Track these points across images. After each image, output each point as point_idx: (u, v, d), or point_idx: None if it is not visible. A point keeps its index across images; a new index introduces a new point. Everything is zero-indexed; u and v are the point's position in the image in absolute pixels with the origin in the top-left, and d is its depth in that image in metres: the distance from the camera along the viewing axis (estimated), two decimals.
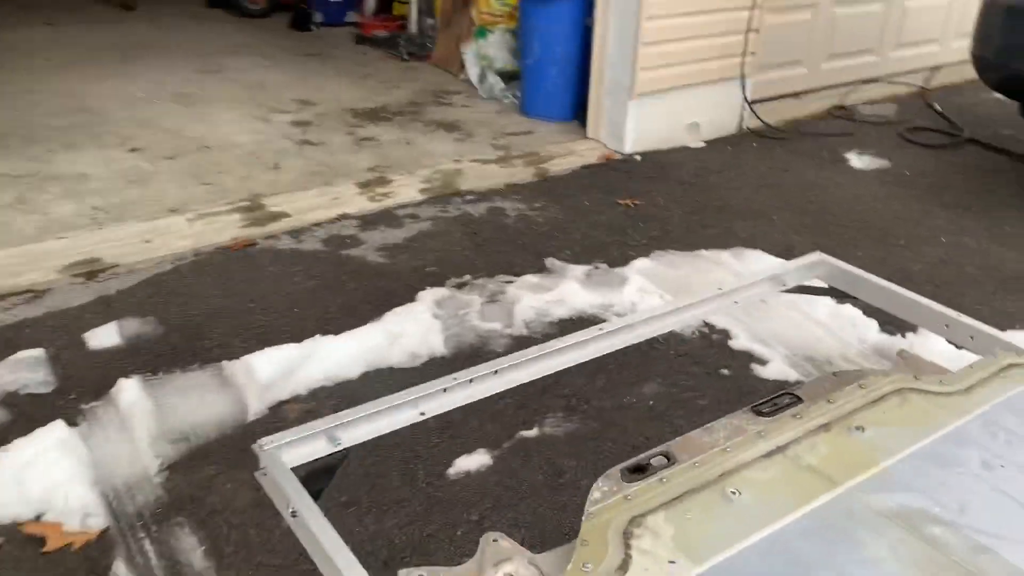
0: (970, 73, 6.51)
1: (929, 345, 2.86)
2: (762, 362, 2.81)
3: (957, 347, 2.79)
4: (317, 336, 2.70)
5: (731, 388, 2.67)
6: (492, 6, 5.52)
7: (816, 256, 2.68)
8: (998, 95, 4.96)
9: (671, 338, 2.91)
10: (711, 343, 2.90)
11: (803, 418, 1.77)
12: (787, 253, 3.51)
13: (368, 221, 3.64)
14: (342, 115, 4.88)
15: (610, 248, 3.51)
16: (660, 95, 4.49)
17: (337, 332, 2.75)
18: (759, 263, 3.36)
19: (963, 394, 1.99)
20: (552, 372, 1.72)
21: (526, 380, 1.78)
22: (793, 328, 2.98)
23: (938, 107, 5.61)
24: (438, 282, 3.17)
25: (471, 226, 3.66)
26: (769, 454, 1.54)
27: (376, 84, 5.53)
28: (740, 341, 2.91)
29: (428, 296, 3.05)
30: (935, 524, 1.35)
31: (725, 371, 2.75)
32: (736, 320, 3.01)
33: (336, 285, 3.14)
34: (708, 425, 1.84)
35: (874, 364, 2.82)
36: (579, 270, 3.30)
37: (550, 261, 3.38)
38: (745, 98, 4.87)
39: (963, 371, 2.10)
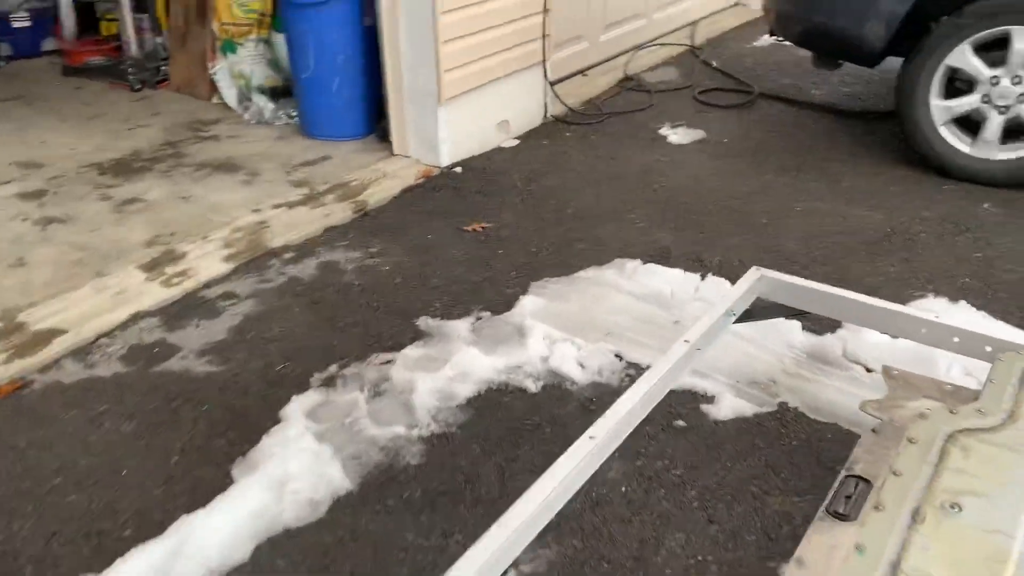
0: (726, 24, 6.66)
1: (863, 338, 2.63)
2: (709, 399, 2.43)
3: (892, 336, 2.59)
4: (181, 517, 1.93)
5: (698, 444, 2.26)
6: (235, 15, 4.66)
7: (755, 274, 2.33)
8: (774, 41, 4.99)
9: (604, 395, 2.45)
10: None
11: (885, 509, 1.38)
12: (664, 256, 3.18)
13: (173, 316, 2.81)
14: (85, 174, 3.87)
15: (483, 289, 2.97)
16: (469, 95, 3.97)
17: (203, 500, 1.99)
18: (649, 277, 2.98)
19: (1014, 423, 1.71)
20: None
21: None
22: (720, 350, 2.63)
23: (715, 63, 5.58)
24: (300, 384, 2.47)
25: (307, 295, 2.95)
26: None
27: (113, 125, 4.49)
28: (675, 383, 2.51)
29: (296, 409, 2.35)
30: None
31: (680, 422, 2.34)
32: (658, 352, 2.60)
33: (166, 421, 2.34)
34: (798, 556, 1.41)
35: (815, 372, 2.54)
36: (462, 327, 2.73)
37: (423, 322, 2.77)
38: (550, 84, 4.48)
39: (989, 389, 1.83)
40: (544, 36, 4.31)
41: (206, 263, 3.08)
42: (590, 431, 1.71)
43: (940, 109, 3.82)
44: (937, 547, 1.41)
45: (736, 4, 6.86)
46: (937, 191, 3.76)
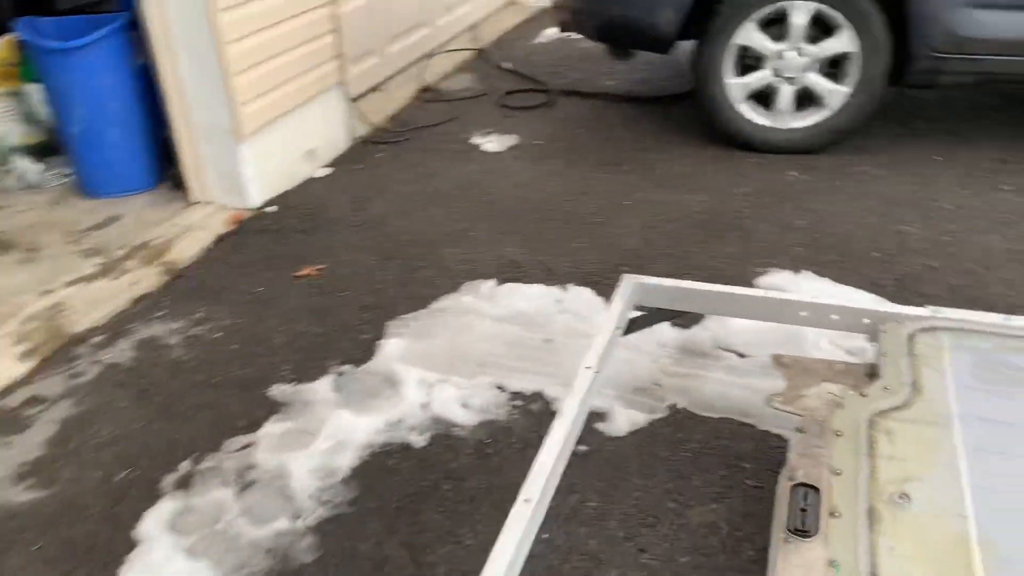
0: (506, 24, 6.65)
1: (728, 325, 2.63)
2: (602, 417, 2.32)
3: (777, 323, 2.59)
4: None
5: (603, 468, 2.15)
6: None
7: (629, 283, 2.24)
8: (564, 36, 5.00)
9: (496, 433, 2.28)
10: (536, 417, 2.33)
11: (842, 515, 1.33)
12: (515, 271, 3.05)
13: None
14: None
15: (334, 340, 2.70)
16: (270, 127, 3.64)
17: None
18: (509, 297, 2.84)
19: (920, 394, 1.73)
20: None
21: None
22: None
23: (507, 65, 5.53)
24: (150, 493, 2.11)
25: (132, 383, 2.55)
26: None
27: None
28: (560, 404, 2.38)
29: (153, 524, 1.99)
30: None
31: (581, 447, 2.22)
32: (538, 375, 2.48)
33: None
34: None
35: (693, 368, 2.51)
36: (323, 387, 2.46)
37: (276, 390, 2.47)
38: (352, 104, 4.23)
39: (886, 364, 1.85)
40: (339, 55, 4.05)
41: None
42: (524, 493, 1.54)
43: (736, 87, 3.96)
44: (902, 546, 1.38)
45: (511, 3, 6.88)
46: (746, 166, 3.90)
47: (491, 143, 4.30)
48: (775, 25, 3.83)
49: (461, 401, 2.37)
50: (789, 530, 1.44)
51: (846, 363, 2.06)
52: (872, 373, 1.92)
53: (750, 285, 2.92)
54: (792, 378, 2.01)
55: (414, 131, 4.48)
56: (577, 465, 2.16)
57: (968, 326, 1.94)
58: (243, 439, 2.27)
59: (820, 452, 1.62)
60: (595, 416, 2.32)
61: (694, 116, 4.38)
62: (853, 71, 3.82)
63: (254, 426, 2.32)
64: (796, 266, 3.01)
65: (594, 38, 4.30)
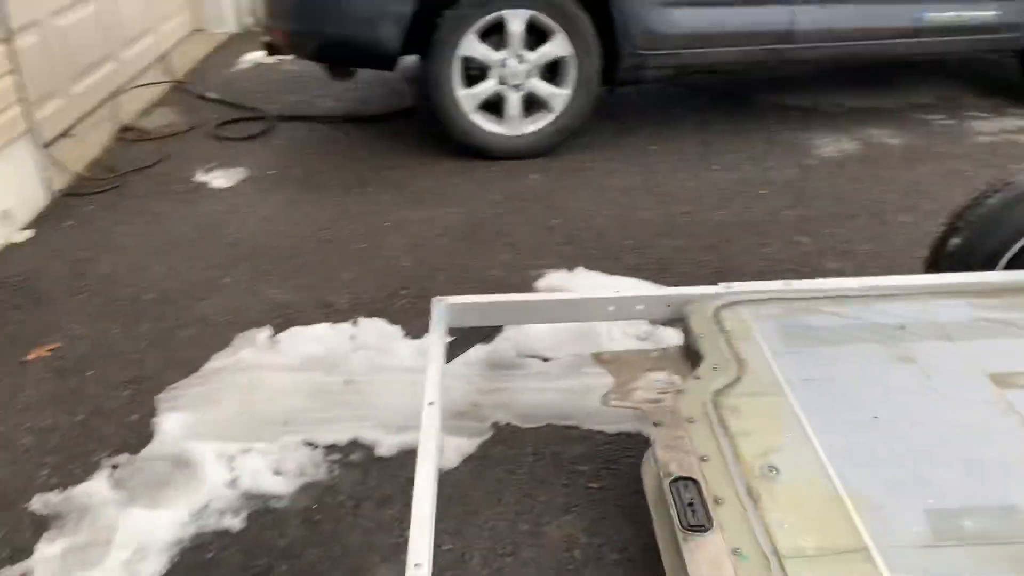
0: (199, 52, 6.16)
1: (524, 331, 2.62)
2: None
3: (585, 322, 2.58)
4: None
5: (446, 503, 2.02)
6: None
7: (440, 306, 2.14)
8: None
9: (322, 496, 2.05)
10: (361, 468, 2.14)
11: (725, 501, 1.37)
12: (289, 313, 2.81)
13: None
14: None
15: (96, 428, 2.28)
16: None
17: None
18: (294, 343, 2.59)
19: (746, 367, 1.81)
20: None
21: None
22: (407, 396, 2.40)
23: (212, 95, 5.13)
24: None
25: None
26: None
27: None
28: (383, 448, 2.21)
29: None
30: None
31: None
32: (350, 422, 2.29)
33: None
34: None
35: (504, 381, 2.46)
36: (99, 486, 2.06)
37: (39, 502, 2.03)
38: (45, 153, 3.65)
39: (704, 343, 1.92)
40: (23, 99, 3.48)
41: None
42: (412, 558, 1.38)
43: (466, 98, 3.99)
44: (789, 518, 1.42)
45: (198, 31, 6.40)
46: (489, 174, 3.95)
47: (219, 179, 3.94)
48: (495, 35, 3.91)
49: (272, 468, 2.11)
50: (684, 528, 1.43)
51: (656, 349, 2.12)
52: (690, 355, 2.00)
53: (531, 288, 2.94)
54: (618, 374, 2.03)
55: (125, 176, 3.99)
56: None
57: (760, 296, 2.08)
58: (13, 571, 1.84)
59: (681, 441, 1.63)
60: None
61: (426, 130, 4.35)
62: (571, 74, 4.01)
63: (23, 552, 1.89)
64: (567, 264, 3.08)
65: (312, 59, 4.11)
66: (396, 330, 2.66)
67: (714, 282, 2.14)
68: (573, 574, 1.86)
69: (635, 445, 2.22)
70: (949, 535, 1.37)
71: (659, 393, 1.93)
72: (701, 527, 1.43)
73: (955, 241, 2.25)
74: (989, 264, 2.22)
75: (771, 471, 1.53)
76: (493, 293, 2.23)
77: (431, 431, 1.69)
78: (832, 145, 4.19)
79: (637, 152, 4.17)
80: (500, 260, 3.16)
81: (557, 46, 3.95)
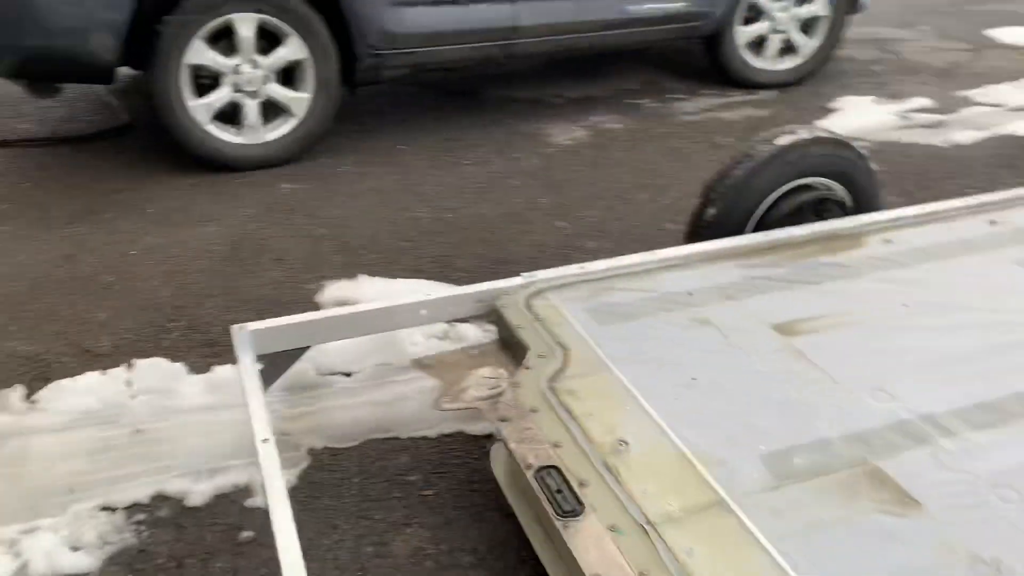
0: None
1: (323, 350, 2.51)
2: (249, 491, 2.02)
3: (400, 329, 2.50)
4: None
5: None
6: None
7: (240, 333, 1.99)
8: None
9: (134, 562, 1.81)
10: (172, 524, 1.92)
11: (590, 483, 1.46)
12: (42, 366, 2.46)
13: None
14: None
15: None
16: None
17: None
18: (61, 398, 2.25)
19: (570, 351, 1.88)
20: None
21: None
22: (204, 436, 2.19)
23: None
24: None
25: None
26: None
27: None
28: (195, 497, 2.00)
29: None
30: None
31: (246, 534, 1.90)
32: (147, 475, 2.04)
33: None
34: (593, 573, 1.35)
35: (310, 404, 2.34)
36: None
37: None
38: None
39: (525, 333, 1.96)
40: None
41: None
42: None
43: (199, 109, 3.71)
44: (650, 486, 1.50)
45: None
46: (236, 186, 3.71)
47: None
48: (225, 40, 3.67)
49: (68, 544, 1.83)
50: (559, 515, 1.45)
51: (473, 346, 2.13)
52: (509, 347, 2.03)
53: (314, 303, 2.81)
54: (443, 376, 2.01)
55: None
56: (253, 555, 1.86)
57: (562, 281, 2.16)
58: None
59: (533, 432, 1.65)
60: (241, 494, 2.02)
61: (153, 145, 3.99)
62: (309, 77, 3.87)
63: None
64: (346, 273, 2.99)
65: (11, 76, 3.58)
66: (178, 368, 2.42)
67: (496, 273, 2.19)
68: None
69: (460, 445, 2.21)
70: (786, 475, 1.52)
71: (490, 390, 1.93)
72: (574, 512, 1.46)
73: (711, 211, 2.48)
74: (742, 227, 2.48)
75: (622, 445, 1.61)
76: (272, 314, 2.10)
77: (273, 470, 1.56)
78: (565, 134, 4.44)
79: (387, 152, 4.13)
80: (271, 278, 2.98)
81: (292, 49, 3.79)
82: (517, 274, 2.18)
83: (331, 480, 2.09)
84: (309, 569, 1.72)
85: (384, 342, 2.54)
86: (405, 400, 2.36)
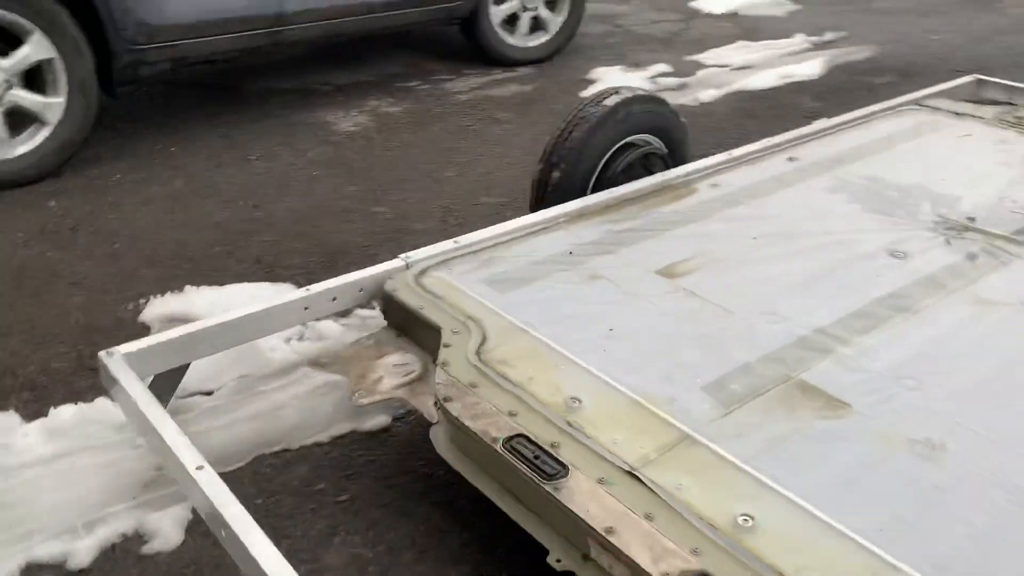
0: None
1: None
2: (144, 538, 1.76)
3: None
4: None
5: None
6: None
7: (114, 360, 1.72)
8: None
9: None
10: None
11: (562, 444, 1.52)
12: None
13: None
14: None
15: None
16: None
17: None
18: None
19: (481, 323, 1.85)
20: None
21: None
22: (65, 487, 1.86)
23: None
24: None
25: None
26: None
27: None
28: (78, 557, 1.69)
29: None
30: None
31: None
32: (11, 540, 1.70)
33: None
34: (605, 527, 1.36)
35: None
36: None
37: None
38: None
39: (430, 312, 1.91)
40: None
41: None
42: None
43: None
44: (618, 435, 1.51)
45: None
46: None
47: None
48: None
49: None
50: (546, 479, 1.42)
51: (368, 336, 2.00)
52: (407, 329, 1.94)
53: (137, 323, 2.50)
54: (348, 372, 1.87)
55: None
56: None
57: (442, 257, 2.10)
58: None
59: (483, 406, 1.60)
60: (133, 542, 1.75)
61: None
62: (60, 79, 3.40)
63: None
64: (168, 287, 2.68)
65: None
66: (7, 417, 2.03)
67: (333, 266, 2.09)
68: None
69: (359, 444, 2.09)
70: (730, 402, 1.60)
71: (405, 376, 1.84)
72: (559, 473, 1.44)
73: (556, 175, 2.53)
74: (585, 187, 2.56)
75: (575, 402, 1.60)
76: (98, 344, 1.86)
77: (224, 497, 1.37)
78: (346, 120, 4.29)
79: (162, 156, 3.74)
80: (75, 304, 2.60)
81: (36, 48, 3.31)
82: (358, 265, 2.09)
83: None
84: None
85: (239, 353, 2.31)
86: (284, 408, 2.18)
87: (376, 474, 1.99)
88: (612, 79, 5.06)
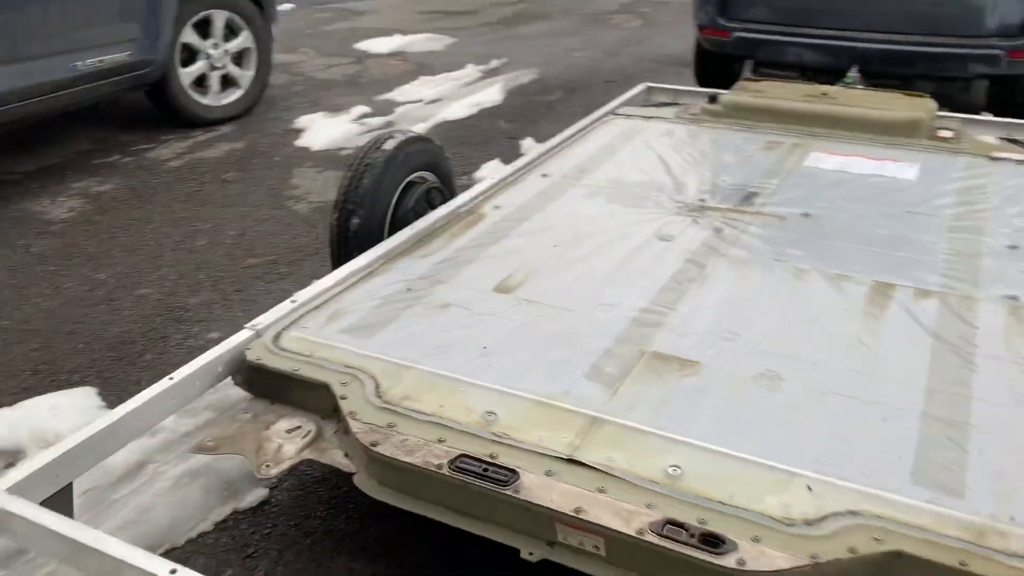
0: None
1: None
2: None
3: None
4: None
5: None
6: None
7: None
8: None
9: None
10: None
11: (499, 454, 1.71)
12: None
13: None
14: None
15: None
16: None
17: None
18: None
19: (366, 368, 1.93)
20: None
21: None
22: None
23: None
24: None
25: None
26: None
27: None
28: None
29: None
30: None
31: None
32: None
33: None
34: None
35: (44, 567, 1.83)
36: None
37: None
38: None
39: (306, 374, 1.94)
40: None
41: None
42: None
43: None
44: (542, 433, 1.69)
45: None
46: None
47: None
48: None
49: None
50: (503, 485, 1.55)
51: (245, 410, 1.95)
52: (283, 395, 1.93)
53: None
54: (243, 449, 1.82)
55: None
56: None
57: (289, 319, 2.10)
58: None
59: (412, 441, 1.67)
60: None
61: None
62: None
63: None
64: None
65: None
66: None
67: (126, 359, 2.04)
68: None
69: (247, 522, 2.03)
70: (611, 381, 1.85)
71: (304, 437, 1.83)
72: (511, 479, 1.58)
73: (355, 221, 2.61)
74: (382, 229, 2.67)
75: (490, 416, 1.75)
76: None
77: None
78: (57, 207, 3.92)
79: None
80: None
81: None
82: (154, 352, 2.08)
83: None
84: None
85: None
86: (151, 510, 2.03)
87: (279, 545, 1.96)
88: (319, 125, 5.16)
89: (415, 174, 2.82)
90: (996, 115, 3.91)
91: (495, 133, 5.03)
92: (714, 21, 4.89)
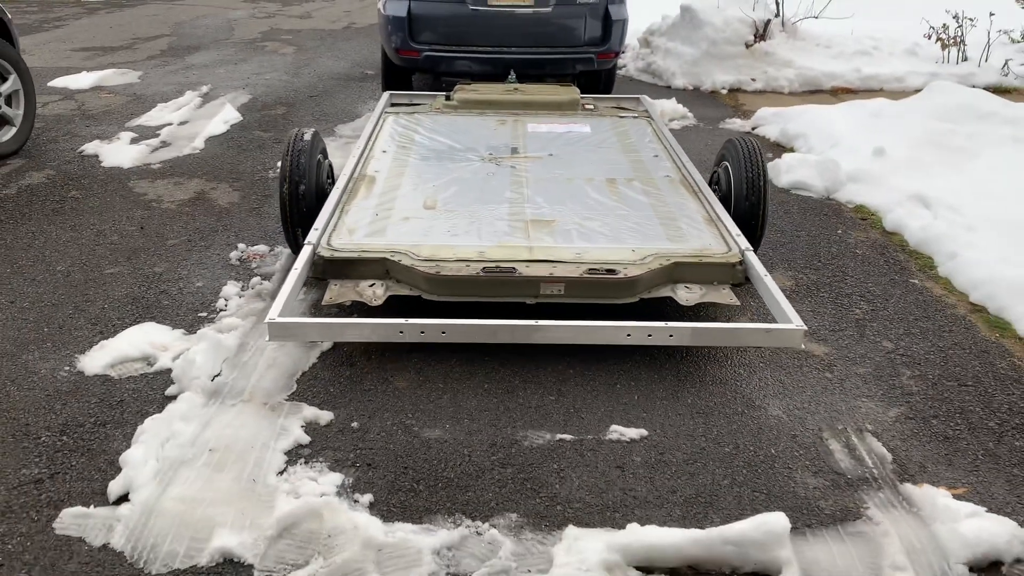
0: None
1: None
2: None
3: None
4: None
5: None
6: None
7: None
8: None
9: None
10: None
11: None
12: None
13: None
14: None
15: None
16: None
17: None
18: None
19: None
20: None
21: None
22: None
23: None
24: None
25: None
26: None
27: None
28: None
29: None
30: None
31: None
32: None
33: None
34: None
35: None
36: None
37: None
38: None
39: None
40: None
41: None
42: None
43: None
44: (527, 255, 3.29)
45: None
46: None
47: None
48: None
49: None
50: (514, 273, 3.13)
51: (328, 287, 3.19)
52: (335, 278, 3.24)
53: None
54: (357, 297, 3.11)
55: None
56: None
57: (326, 234, 3.37)
58: None
59: (457, 267, 3.14)
60: None
61: None
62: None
63: None
64: None
65: None
66: None
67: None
68: None
69: (333, 354, 3.26)
70: (523, 230, 3.49)
71: (382, 287, 3.18)
72: (513, 269, 3.15)
73: (303, 187, 3.82)
74: (321, 191, 3.91)
75: (481, 252, 3.28)
76: None
77: None
78: None
79: None
80: None
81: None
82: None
83: None
84: None
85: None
86: (276, 360, 3.16)
87: (361, 354, 3.26)
88: (109, 150, 5.69)
89: (319, 155, 4.10)
90: (600, 94, 6.26)
91: (264, 140, 6.12)
92: (407, 44, 6.54)
